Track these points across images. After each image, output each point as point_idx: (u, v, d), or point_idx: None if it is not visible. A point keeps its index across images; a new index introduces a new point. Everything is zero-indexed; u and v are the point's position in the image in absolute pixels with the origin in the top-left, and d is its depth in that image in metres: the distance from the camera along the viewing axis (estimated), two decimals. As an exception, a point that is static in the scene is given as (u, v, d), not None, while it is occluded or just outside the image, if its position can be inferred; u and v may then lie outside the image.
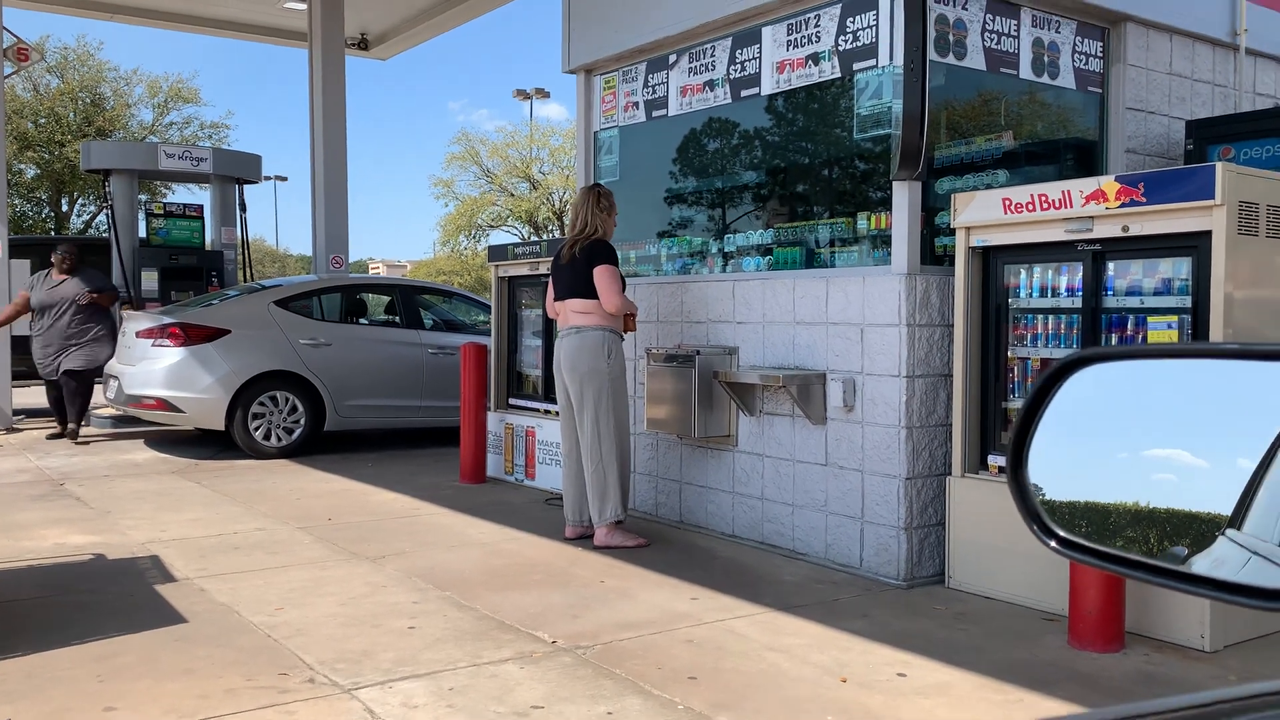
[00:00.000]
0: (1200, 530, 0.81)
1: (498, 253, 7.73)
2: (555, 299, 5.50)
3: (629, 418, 5.43)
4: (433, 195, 45.23)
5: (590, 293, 5.25)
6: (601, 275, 5.22)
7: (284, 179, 54.72)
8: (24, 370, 10.35)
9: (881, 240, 4.97)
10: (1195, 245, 3.90)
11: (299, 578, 4.65)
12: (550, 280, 5.59)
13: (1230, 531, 0.79)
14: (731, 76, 5.71)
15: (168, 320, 8.47)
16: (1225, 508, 0.79)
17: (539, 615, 4.10)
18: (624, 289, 5.35)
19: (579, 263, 5.30)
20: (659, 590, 4.50)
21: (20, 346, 9.81)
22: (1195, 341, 3.76)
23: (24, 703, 3.13)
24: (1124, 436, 0.94)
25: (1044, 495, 0.96)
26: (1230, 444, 0.82)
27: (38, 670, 3.40)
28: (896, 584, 4.66)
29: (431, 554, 5.17)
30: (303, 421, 8.58)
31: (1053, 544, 0.94)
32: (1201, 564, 0.80)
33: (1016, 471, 0.97)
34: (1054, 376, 0.96)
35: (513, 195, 36.06)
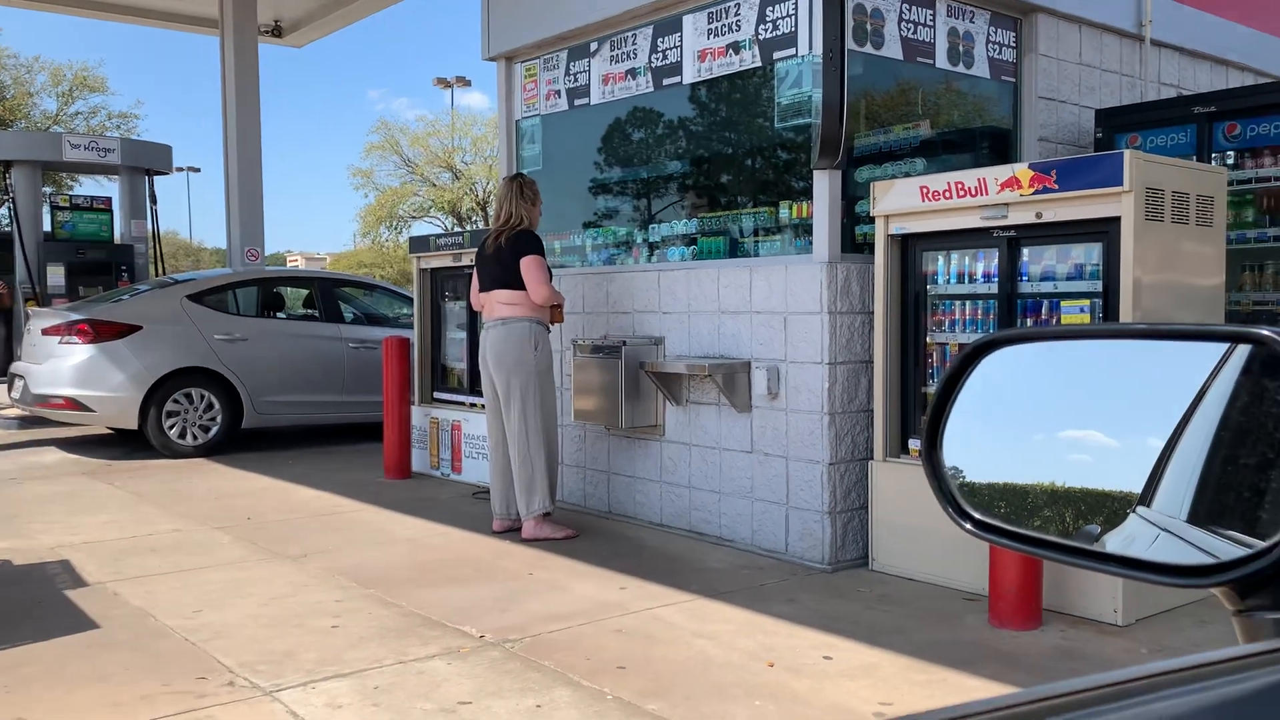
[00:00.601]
0: (1113, 509, 0.83)
1: (419, 244, 7.62)
2: (480, 290, 5.44)
3: (556, 409, 5.40)
4: (352, 186, 44.42)
5: (516, 283, 5.21)
6: (528, 266, 5.18)
7: (197, 170, 53.44)
8: None
9: (803, 229, 5.01)
10: (1106, 231, 4.01)
11: (218, 579, 4.54)
12: (475, 271, 5.53)
13: (1140, 509, 0.81)
14: (653, 65, 5.70)
15: (75, 317, 8.20)
16: (1136, 486, 0.81)
17: (466, 610, 4.06)
18: (550, 279, 5.31)
19: (504, 253, 5.25)
20: (588, 581, 4.49)
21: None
22: (1105, 323, 3.87)
23: (-75, 717, 3.00)
24: (1038, 417, 0.96)
25: (962, 478, 0.97)
26: (1140, 423, 0.84)
27: (-61, 683, 3.26)
28: (822, 568, 4.72)
29: (356, 551, 5.09)
30: (219, 419, 8.37)
31: (968, 526, 0.94)
32: (1114, 542, 0.82)
33: (931, 454, 0.98)
34: (966, 360, 0.97)
35: (435, 185, 35.64)
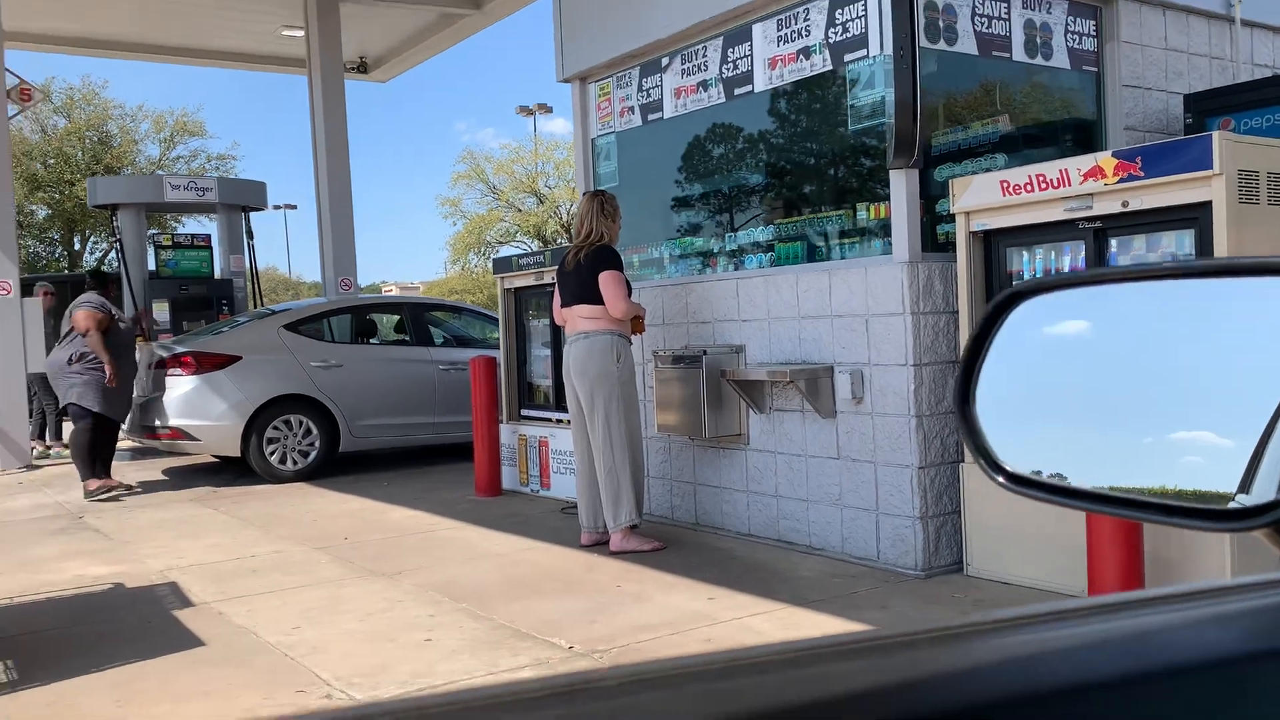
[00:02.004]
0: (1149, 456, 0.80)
1: (503, 265, 7.74)
2: (561, 306, 5.49)
3: (640, 421, 5.41)
4: (442, 215, 45.31)
5: (596, 298, 5.24)
6: (606, 281, 5.21)
7: (294, 207, 55.08)
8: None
9: (882, 230, 4.94)
10: (1196, 217, 3.87)
11: (316, 597, 4.65)
12: (556, 287, 5.59)
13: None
14: (724, 75, 5.70)
15: (179, 349, 8.52)
16: (1178, 436, 0.78)
17: (555, 622, 4.08)
18: (629, 293, 5.33)
19: (584, 269, 5.29)
20: (675, 592, 4.48)
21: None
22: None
23: (43, 731, 3.14)
24: (1069, 367, 0.94)
25: (994, 432, 0.95)
26: (1175, 365, 0.81)
27: (57, 699, 3.41)
28: (915, 574, 4.62)
29: (448, 568, 5.16)
30: (317, 444, 8.59)
31: (1000, 479, 0.93)
32: (1151, 490, 0.79)
33: (964, 409, 0.96)
34: (994, 313, 0.95)
35: (520, 210, 36.18)
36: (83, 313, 7.78)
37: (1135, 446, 0.83)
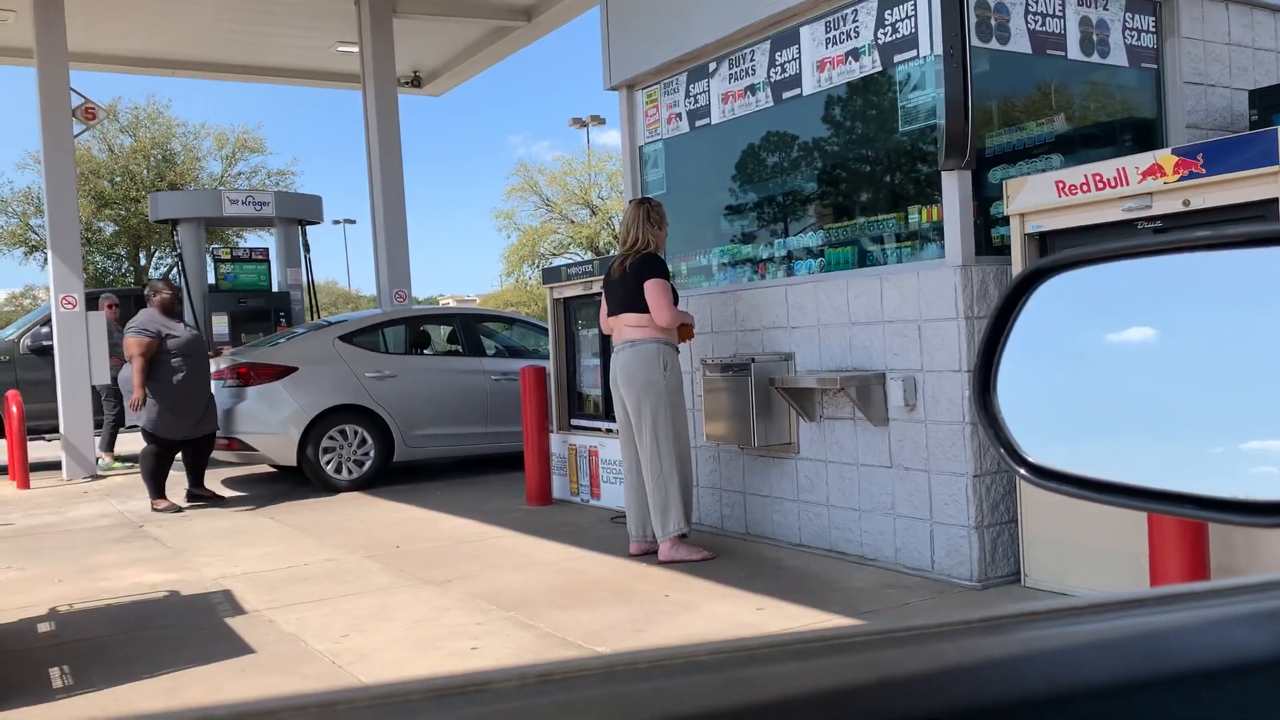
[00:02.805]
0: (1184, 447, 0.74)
1: (552, 275, 7.75)
2: (609, 314, 5.48)
3: (688, 430, 5.37)
4: (496, 228, 45.64)
5: (642, 306, 5.22)
6: (652, 289, 5.19)
7: (353, 222, 55.91)
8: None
9: (935, 234, 4.86)
10: (1262, 215, 3.73)
11: (365, 605, 4.68)
12: (603, 296, 5.58)
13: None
14: (772, 79, 5.66)
15: (239, 361, 8.66)
16: (1218, 424, 0.72)
17: (601, 632, 4.06)
18: (676, 301, 5.30)
19: (629, 278, 5.27)
20: (723, 602, 4.43)
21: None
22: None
23: (95, 736, 3.18)
24: (1100, 351, 0.88)
25: (1017, 421, 0.91)
26: (1225, 349, 0.75)
27: (110, 703, 3.46)
28: (970, 585, 4.52)
29: (497, 576, 5.16)
30: (372, 454, 8.67)
31: (1023, 471, 0.89)
32: (1190, 483, 0.73)
33: (983, 398, 0.92)
34: (1015, 291, 0.90)
35: (573, 222, 36.36)
36: (129, 339, 7.79)
37: (1177, 438, 0.78)
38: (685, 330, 5.39)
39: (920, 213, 4.93)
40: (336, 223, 52.83)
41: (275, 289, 11.86)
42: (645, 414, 5.22)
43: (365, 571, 5.41)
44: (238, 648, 4.07)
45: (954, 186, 4.63)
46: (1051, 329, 0.89)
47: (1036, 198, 4.40)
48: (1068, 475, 0.84)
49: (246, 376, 8.52)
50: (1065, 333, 0.90)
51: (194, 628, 4.45)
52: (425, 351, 9.88)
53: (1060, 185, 4.29)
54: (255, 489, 8.91)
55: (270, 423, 8.37)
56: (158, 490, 7.88)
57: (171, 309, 7.99)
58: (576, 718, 0.44)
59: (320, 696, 0.43)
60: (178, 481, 8.16)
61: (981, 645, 0.51)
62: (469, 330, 9.72)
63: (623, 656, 0.48)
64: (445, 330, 10.40)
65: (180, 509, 7.87)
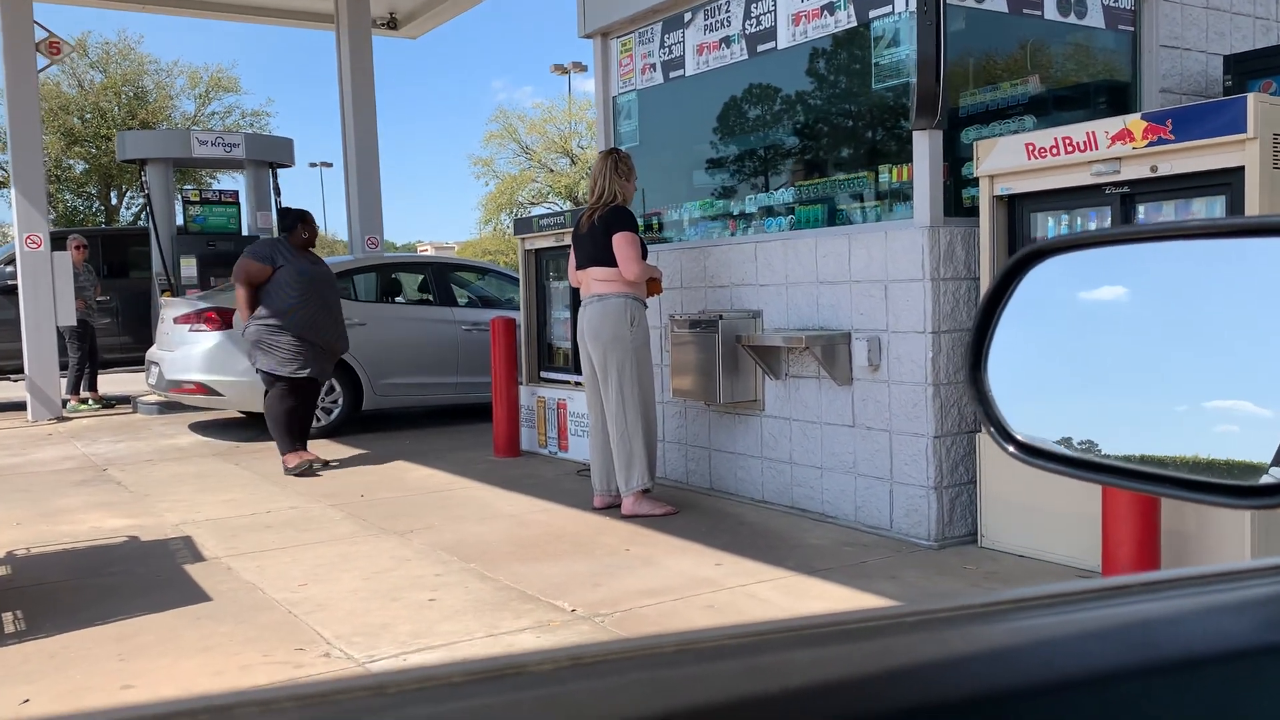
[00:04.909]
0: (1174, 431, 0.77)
1: (523, 226, 7.69)
2: (577, 268, 5.44)
3: (653, 385, 5.36)
4: (474, 174, 45.08)
5: (610, 260, 5.18)
6: (620, 243, 5.14)
7: (329, 165, 55.09)
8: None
9: (905, 194, 4.84)
10: (1229, 183, 3.73)
11: (326, 554, 4.67)
12: (571, 249, 5.54)
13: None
14: (747, 32, 5.58)
15: (203, 305, 8.57)
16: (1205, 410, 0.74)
17: (561, 585, 4.07)
18: (644, 255, 5.26)
19: (598, 230, 5.23)
20: (683, 557, 4.45)
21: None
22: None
23: (44, 682, 3.17)
24: (1090, 331, 0.89)
25: (1007, 399, 0.92)
26: (1207, 330, 0.76)
27: (61, 650, 3.44)
28: (927, 545, 4.56)
29: (460, 527, 5.17)
30: (340, 401, 8.63)
31: (1011, 449, 0.90)
32: (1176, 464, 0.75)
33: (974, 375, 0.94)
34: (1010, 272, 0.91)
35: (552, 171, 36.03)
36: (238, 262, 6.84)
37: (1162, 415, 0.79)
38: (654, 285, 5.36)
39: (891, 172, 4.90)
40: (313, 165, 52.13)
41: (245, 232, 11.69)
42: (611, 369, 5.20)
43: (328, 520, 5.40)
44: (194, 595, 4.05)
45: (925, 146, 4.59)
46: (1045, 310, 0.90)
47: (1006, 160, 4.37)
48: (1056, 454, 0.86)
49: (214, 321, 8.43)
50: (1058, 314, 0.91)
51: (151, 574, 4.43)
52: (396, 300, 9.80)
53: (1030, 148, 4.27)
54: (222, 434, 8.86)
55: (237, 368, 8.28)
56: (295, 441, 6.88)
57: (305, 241, 6.95)
58: (608, 701, 0.45)
59: (372, 679, 0.46)
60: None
61: (984, 633, 0.52)
62: (441, 279, 9.64)
63: (647, 641, 0.50)
64: (417, 279, 10.31)
65: (329, 463, 7.04)
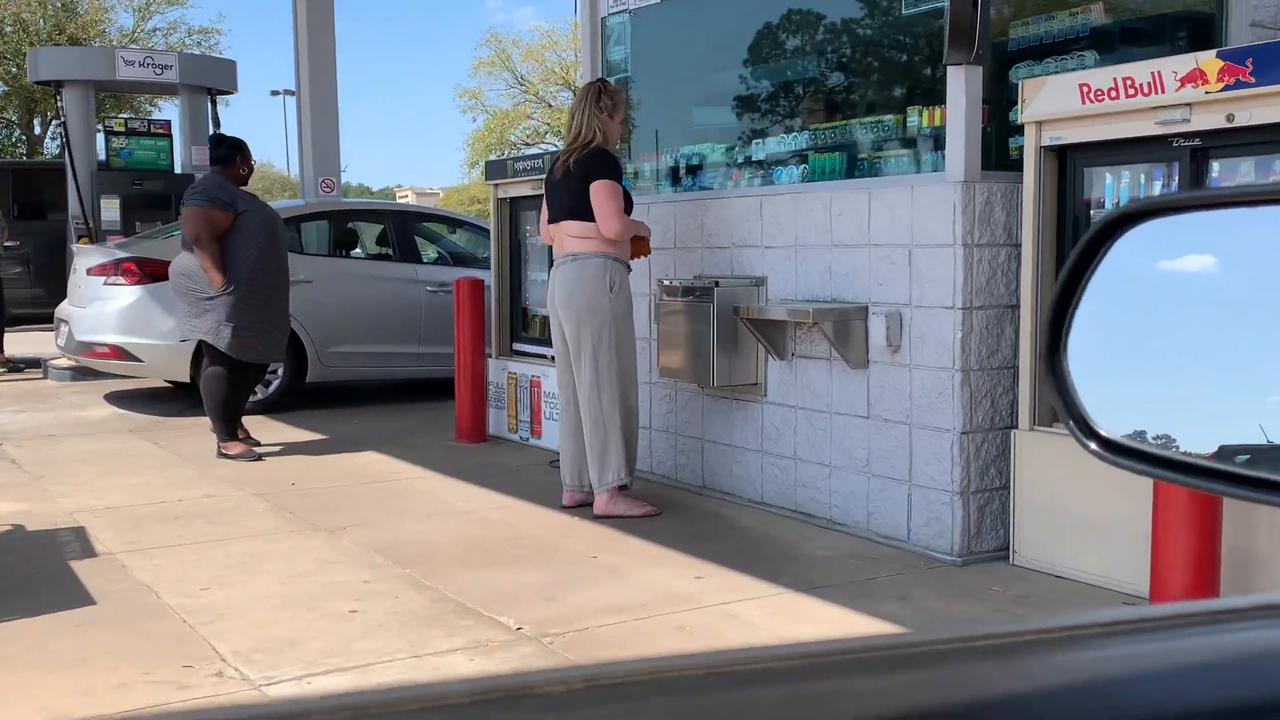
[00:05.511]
0: None
1: (496, 169, 7.61)
2: (549, 221, 5.38)
3: (636, 363, 5.30)
4: (459, 109, 44.56)
5: (588, 213, 5.10)
6: (599, 192, 5.06)
7: (293, 93, 55.00)
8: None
9: (936, 142, 4.75)
10: (1318, 138, 3.62)
11: (239, 552, 4.64)
12: (544, 199, 5.47)
13: None
14: (758, -55, 5.47)
15: (121, 255, 8.52)
16: None
17: (510, 596, 4.03)
18: (629, 209, 5.19)
19: (574, 178, 5.15)
20: (659, 567, 4.41)
21: None
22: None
23: (-117, 698, 3.13)
24: (1190, 312, 0.90)
25: (1088, 389, 0.94)
26: None
27: (-91, 659, 3.41)
28: (949, 559, 4.50)
29: (401, 525, 5.14)
30: (280, 371, 8.56)
31: (1094, 446, 0.92)
32: None
33: (1052, 358, 0.95)
34: (1098, 237, 0.91)
35: (550, 106, 35.84)
36: (190, 211, 6.53)
37: (1276, 412, 0.79)
38: (640, 244, 5.29)
39: (921, 115, 4.81)
40: (275, 94, 52.11)
41: (179, 170, 11.64)
42: (586, 341, 5.14)
43: (248, 512, 5.37)
44: (77, 598, 4.02)
45: (960, 85, 4.49)
46: (1134, 284, 0.91)
47: (1057, 103, 4.27)
48: (1149, 453, 0.86)
49: (134, 274, 8.37)
50: (1150, 289, 0.92)
51: (32, 571, 4.40)
52: (351, 254, 9.75)
53: (1084, 89, 4.16)
54: (143, 406, 8.84)
55: (160, 329, 8.22)
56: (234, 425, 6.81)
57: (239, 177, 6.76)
58: None
59: (354, 698, 0.46)
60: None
61: (1070, 662, 0.52)
62: (403, 231, 9.56)
63: (672, 661, 0.50)
64: (376, 230, 10.24)
65: (258, 455, 6.73)
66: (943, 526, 4.56)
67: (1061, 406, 0.94)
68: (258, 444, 6.92)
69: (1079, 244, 0.94)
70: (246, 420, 7.32)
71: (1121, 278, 0.90)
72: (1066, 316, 0.92)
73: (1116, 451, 0.89)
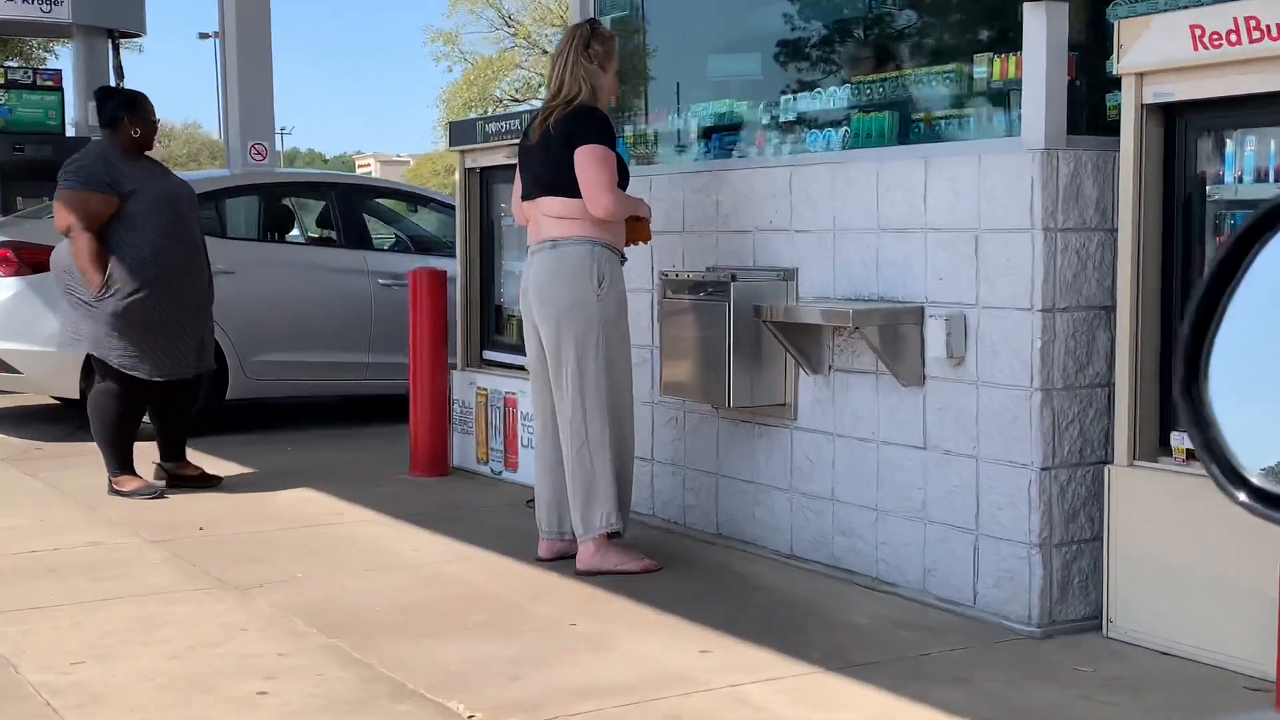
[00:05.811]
0: None
1: (462, 132, 7.64)
2: (523, 198, 5.41)
3: (631, 378, 5.31)
4: (432, 57, 44.47)
5: (571, 187, 5.12)
6: (586, 161, 5.07)
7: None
8: None
9: (1012, 99, 4.75)
10: None
11: (124, 616, 4.67)
12: (517, 170, 5.47)
13: None
14: None
15: (-6, 240, 8.54)
16: None
17: (462, 675, 4.06)
18: (625, 183, 5.20)
19: (554, 142, 5.16)
20: (653, 637, 4.44)
21: None
22: None
23: None
24: None
25: (1234, 425, 0.97)
26: None
27: None
28: (1026, 630, 4.48)
29: (334, 580, 5.18)
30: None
31: (1242, 496, 0.95)
32: None
33: (1191, 386, 0.98)
34: (1244, 240, 0.95)
35: (546, 53, 36.02)
36: (60, 195, 6.60)
37: None
38: (637, 227, 5.32)
39: (992, 65, 4.83)
40: (204, 36, 52.55)
41: (70, 133, 11.70)
42: (568, 350, 5.14)
43: (140, 564, 5.42)
44: (-85, 673, 4.02)
45: (1040, 25, 4.48)
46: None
47: (1162, 50, 4.24)
48: None
49: (10, 263, 8.41)
50: None
51: None
52: (285, 238, 9.78)
53: (1198, 32, 4.13)
54: (23, 429, 8.88)
55: (42, 333, 8.26)
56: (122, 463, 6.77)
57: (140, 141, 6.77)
58: None
59: None
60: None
61: None
62: (349, 210, 9.60)
63: None
64: (317, 208, 10.26)
65: (159, 491, 6.72)
66: (1018, 587, 4.54)
67: (1202, 447, 0.98)
68: (164, 477, 6.88)
69: (1221, 248, 0.96)
70: (144, 446, 7.16)
71: (1277, 289, 0.93)
72: (1207, 337, 0.96)
73: (1272, 504, 0.92)
